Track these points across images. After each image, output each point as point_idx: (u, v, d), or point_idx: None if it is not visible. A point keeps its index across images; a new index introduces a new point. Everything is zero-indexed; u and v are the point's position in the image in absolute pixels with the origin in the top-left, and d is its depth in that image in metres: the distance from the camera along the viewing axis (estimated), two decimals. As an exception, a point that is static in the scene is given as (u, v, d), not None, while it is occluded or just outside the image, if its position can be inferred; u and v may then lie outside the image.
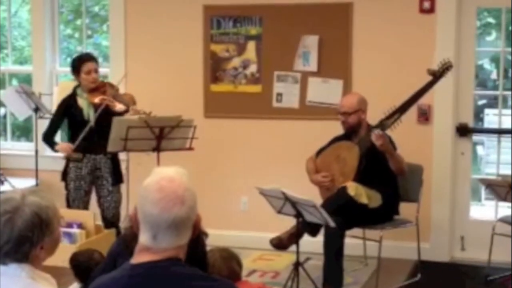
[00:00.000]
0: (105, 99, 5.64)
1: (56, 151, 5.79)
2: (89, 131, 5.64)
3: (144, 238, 2.08)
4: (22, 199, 2.27)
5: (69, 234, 5.01)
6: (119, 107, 5.67)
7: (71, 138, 5.77)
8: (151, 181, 2.08)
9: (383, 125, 5.35)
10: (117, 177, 5.79)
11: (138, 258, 2.09)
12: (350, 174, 5.45)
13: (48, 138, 5.81)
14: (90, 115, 5.69)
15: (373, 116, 5.51)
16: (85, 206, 5.71)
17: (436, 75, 5.39)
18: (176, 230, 2.06)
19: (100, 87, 5.74)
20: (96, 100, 5.66)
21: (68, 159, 5.71)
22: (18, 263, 2.26)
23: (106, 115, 5.60)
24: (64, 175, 5.75)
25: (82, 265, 3.81)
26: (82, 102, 5.73)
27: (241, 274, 3.57)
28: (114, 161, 5.80)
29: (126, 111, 5.72)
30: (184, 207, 2.06)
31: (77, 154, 5.61)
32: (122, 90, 6.72)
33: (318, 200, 5.28)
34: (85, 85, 5.70)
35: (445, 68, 5.40)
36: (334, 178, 5.53)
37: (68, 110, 5.77)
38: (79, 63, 5.72)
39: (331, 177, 5.54)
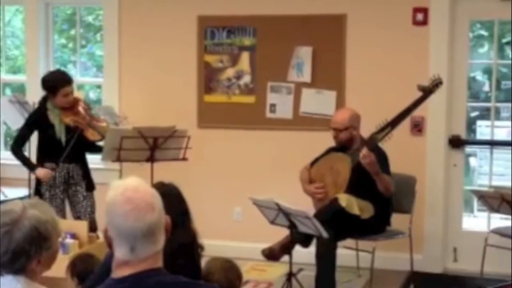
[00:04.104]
0: (78, 122, 5.54)
1: (34, 174, 5.67)
2: (60, 144, 5.58)
3: (121, 252, 2.08)
4: (22, 211, 2.26)
5: (62, 244, 4.99)
6: (93, 137, 5.59)
7: (40, 152, 5.72)
8: (115, 195, 2.08)
9: (374, 138, 5.36)
10: (90, 184, 5.75)
11: (118, 273, 2.09)
12: (343, 186, 5.46)
13: (20, 153, 5.70)
14: (61, 133, 5.60)
15: (366, 127, 5.52)
16: (62, 215, 5.65)
17: (426, 91, 5.41)
18: (152, 237, 2.07)
19: (73, 106, 5.62)
20: (70, 121, 5.56)
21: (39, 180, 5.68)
22: (14, 275, 2.26)
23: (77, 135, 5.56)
24: (37, 190, 5.69)
25: (80, 270, 3.80)
26: (53, 118, 5.62)
27: (240, 287, 3.56)
28: (85, 168, 5.77)
29: (100, 140, 5.67)
30: (156, 212, 2.08)
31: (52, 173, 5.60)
32: (116, 101, 6.74)
33: (311, 210, 5.29)
34: (59, 104, 5.58)
35: (435, 85, 5.41)
36: (327, 189, 5.54)
37: (38, 124, 5.68)
38: (58, 86, 5.54)
39: (324, 188, 5.55)
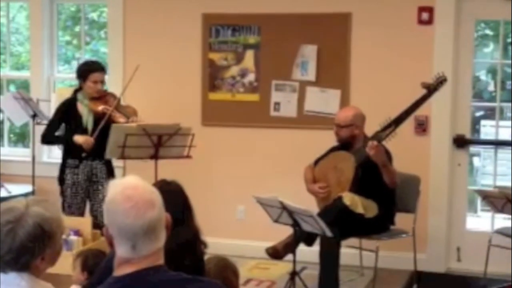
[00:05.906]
0: (108, 109, 5.66)
1: (72, 142, 5.64)
2: (86, 134, 5.68)
3: (122, 250, 2.08)
4: (25, 209, 2.26)
5: (66, 241, 4.99)
6: (121, 119, 5.70)
7: (65, 147, 5.80)
8: (115, 194, 2.08)
9: (377, 137, 5.35)
10: None
11: (120, 271, 2.09)
12: (346, 184, 5.45)
13: (51, 138, 5.82)
14: (88, 122, 5.72)
15: (370, 126, 5.51)
16: (81, 212, 5.72)
17: (430, 89, 5.40)
18: (153, 234, 2.08)
19: (103, 96, 5.77)
20: (99, 108, 5.69)
21: (64, 165, 5.73)
22: (18, 272, 2.25)
23: (105, 123, 5.63)
24: (61, 179, 5.75)
25: (92, 265, 3.79)
26: (82, 108, 5.75)
27: (238, 284, 3.55)
28: (109, 167, 5.82)
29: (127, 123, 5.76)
30: (156, 209, 2.08)
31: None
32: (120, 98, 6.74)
33: (314, 209, 5.29)
34: (88, 93, 5.73)
35: (439, 82, 5.41)
36: (331, 188, 5.54)
37: (67, 115, 5.77)
38: (88, 71, 5.72)
39: (328, 188, 5.55)
